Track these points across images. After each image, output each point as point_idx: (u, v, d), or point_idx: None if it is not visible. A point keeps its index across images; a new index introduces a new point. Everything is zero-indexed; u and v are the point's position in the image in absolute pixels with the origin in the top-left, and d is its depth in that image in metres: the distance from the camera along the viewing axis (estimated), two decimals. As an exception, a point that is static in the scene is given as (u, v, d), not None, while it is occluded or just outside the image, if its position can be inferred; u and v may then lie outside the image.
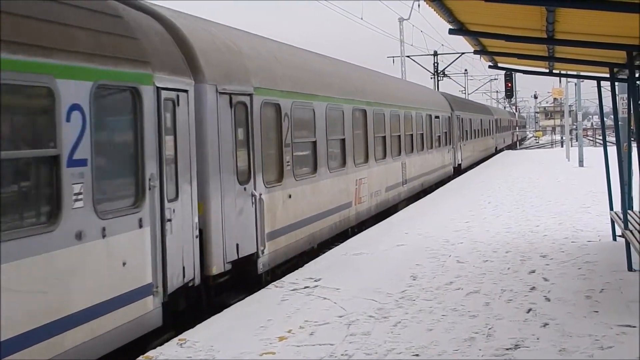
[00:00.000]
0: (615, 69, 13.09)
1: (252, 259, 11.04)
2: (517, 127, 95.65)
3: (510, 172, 34.64)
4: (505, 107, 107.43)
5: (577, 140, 41.34)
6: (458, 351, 7.60)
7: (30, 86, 6.54)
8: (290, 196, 12.72)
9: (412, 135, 24.05)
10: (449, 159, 32.05)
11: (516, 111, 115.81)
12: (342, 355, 7.64)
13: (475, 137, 42.57)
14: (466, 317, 8.91)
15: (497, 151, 57.77)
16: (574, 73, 16.65)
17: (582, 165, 35.87)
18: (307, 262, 13.12)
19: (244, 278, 11.03)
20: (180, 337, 8.58)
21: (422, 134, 25.85)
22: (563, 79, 51.08)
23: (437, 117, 28.90)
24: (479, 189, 26.29)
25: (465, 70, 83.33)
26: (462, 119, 35.81)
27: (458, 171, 34.46)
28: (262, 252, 11.26)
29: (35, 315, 6.43)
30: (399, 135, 22.04)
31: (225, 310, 9.75)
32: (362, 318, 9.03)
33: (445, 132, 31.08)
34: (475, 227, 16.51)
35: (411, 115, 24.01)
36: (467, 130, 38.08)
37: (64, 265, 6.81)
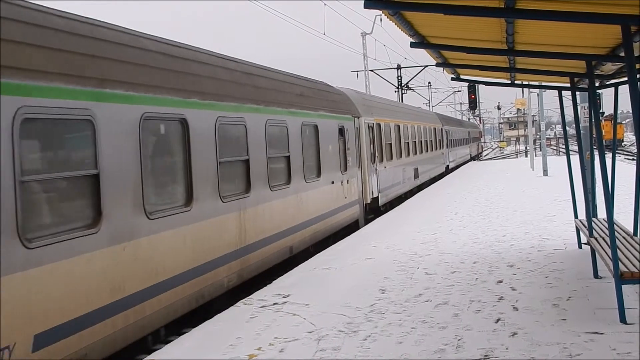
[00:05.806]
0: (576, 79, 13.25)
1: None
2: (478, 140, 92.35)
3: (475, 182, 34.88)
4: (469, 119, 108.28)
5: (540, 150, 41.78)
6: (428, 363, 7.60)
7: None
8: None
9: None
10: None
11: (480, 122, 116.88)
12: (312, 371, 7.59)
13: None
14: (435, 328, 8.92)
15: (373, 213, 23.62)
16: (536, 83, 16.82)
17: (547, 175, 36.25)
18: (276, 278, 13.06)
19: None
20: (149, 358, 8.49)
21: None
22: (526, 90, 51.72)
23: None
24: (446, 200, 26.43)
25: (429, 83, 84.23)
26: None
27: None
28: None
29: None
30: None
31: (193, 330, 9.68)
32: (332, 333, 9.01)
33: None
34: (443, 239, 16.58)
35: None
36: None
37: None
